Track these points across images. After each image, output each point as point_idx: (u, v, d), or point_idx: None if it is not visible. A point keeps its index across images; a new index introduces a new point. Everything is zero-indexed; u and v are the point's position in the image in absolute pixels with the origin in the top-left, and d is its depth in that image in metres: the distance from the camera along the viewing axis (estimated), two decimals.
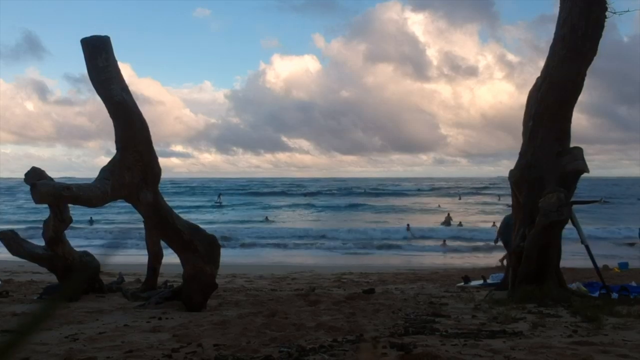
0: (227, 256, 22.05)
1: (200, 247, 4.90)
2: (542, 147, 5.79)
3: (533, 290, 5.27)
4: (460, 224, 40.46)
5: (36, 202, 4.38)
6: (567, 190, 5.56)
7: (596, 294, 5.99)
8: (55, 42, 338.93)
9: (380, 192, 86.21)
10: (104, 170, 4.41)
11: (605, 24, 5.36)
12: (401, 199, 73.07)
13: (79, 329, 4.78)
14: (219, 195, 67.77)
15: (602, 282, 5.87)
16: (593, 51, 5.61)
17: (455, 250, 25.44)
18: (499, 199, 70.94)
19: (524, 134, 6.08)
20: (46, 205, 7.13)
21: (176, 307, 5.47)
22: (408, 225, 31.15)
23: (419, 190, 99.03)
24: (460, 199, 74.43)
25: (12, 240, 5.79)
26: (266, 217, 48.13)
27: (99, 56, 4.11)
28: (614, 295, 5.93)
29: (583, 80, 5.78)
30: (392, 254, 23.74)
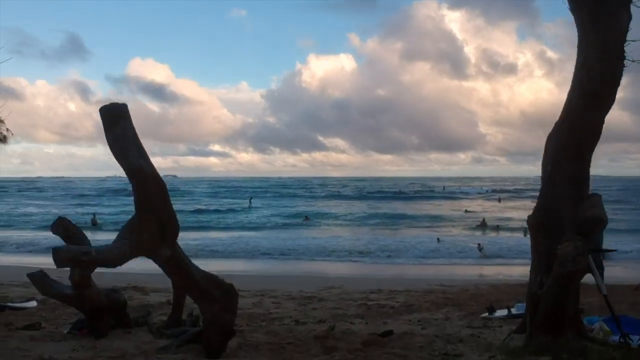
0: (256, 265, 22.57)
1: (217, 296, 5.04)
2: (560, 192, 5.75)
3: (548, 342, 5.25)
4: (497, 228, 40.07)
5: (57, 267, 4.59)
6: (585, 238, 5.51)
7: (616, 339, 5.92)
8: (97, 43, 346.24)
9: (418, 195, 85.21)
10: (122, 229, 4.59)
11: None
12: (437, 202, 72.56)
13: None
14: (250, 198, 68.58)
15: (621, 332, 5.80)
16: (612, 97, 5.55)
17: (490, 257, 25.23)
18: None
19: (542, 177, 6.05)
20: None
21: (196, 352, 5.62)
22: (438, 238, 30.91)
23: (455, 192, 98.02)
24: (500, 201, 73.57)
25: (41, 281, 6.02)
26: (306, 217, 48.66)
27: (116, 125, 4.28)
28: (636, 341, 5.85)
29: (602, 124, 5.72)
30: (424, 264, 23.66)
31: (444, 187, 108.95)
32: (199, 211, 53.76)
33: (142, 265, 23.12)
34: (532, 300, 5.70)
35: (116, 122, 4.34)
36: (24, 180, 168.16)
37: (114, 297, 6.31)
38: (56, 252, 4.28)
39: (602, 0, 5.40)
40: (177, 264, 4.82)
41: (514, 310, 8.79)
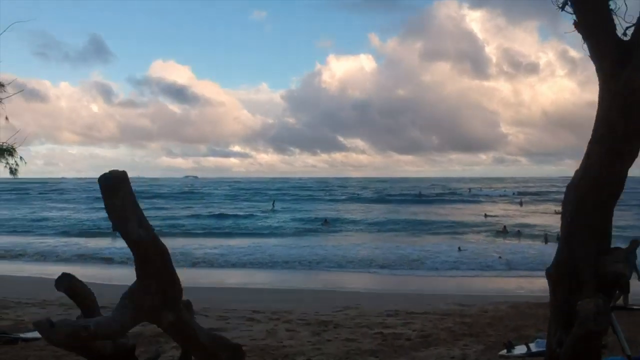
0: (273, 277, 22.46)
1: (224, 358, 4.90)
2: (580, 247, 5.50)
3: None
4: (518, 234, 39.57)
5: (56, 345, 4.48)
6: (606, 294, 5.26)
7: None
8: (119, 45, 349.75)
9: (438, 199, 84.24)
10: (123, 297, 4.46)
11: None
12: (458, 206, 71.96)
13: None
14: (273, 202, 68.74)
15: None
16: (635, 152, 5.28)
17: (511, 266, 24.86)
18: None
19: (561, 230, 5.79)
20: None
21: None
22: (459, 247, 30.56)
23: (479, 195, 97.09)
24: (521, 205, 72.64)
25: (47, 331, 5.90)
26: (325, 220, 48.70)
27: (115, 196, 4.16)
28: None
29: (626, 176, 5.45)
30: (444, 276, 23.37)
31: (469, 189, 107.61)
32: (219, 216, 53.83)
33: None
34: (551, 358, 5.46)
35: (116, 192, 4.21)
36: (46, 182, 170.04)
37: (121, 344, 6.17)
38: (54, 328, 4.16)
39: (627, 51, 5.15)
40: (181, 329, 4.67)
41: (532, 347, 8.53)
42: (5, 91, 10.37)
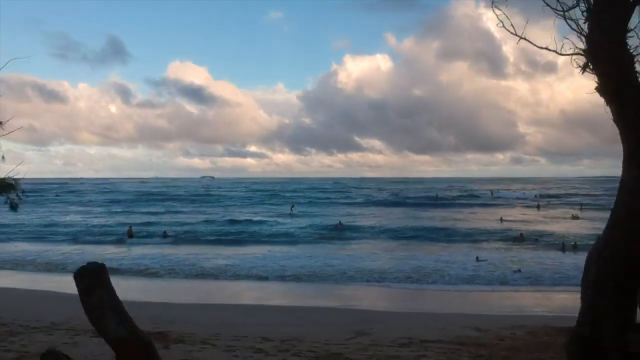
0: (284, 289, 22.14)
1: None
2: (602, 320, 5.07)
3: None
4: (536, 241, 38.89)
5: None
6: None
7: None
8: (137, 46, 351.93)
9: (456, 202, 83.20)
10: None
11: None
12: (475, 210, 71.22)
13: None
14: (292, 206, 68.62)
15: None
16: None
17: (528, 281, 24.33)
18: (581, 209, 67.85)
19: (582, 300, 5.36)
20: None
21: None
22: (477, 257, 30.06)
23: (498, 197, 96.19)
24: (539, 209, 71.66)
25: None
26: (339, 222, 48.55)
27: (92, 293, 3.82)
28: None
29: None
30: (461, 290, 22.89)
31: (491, 192, 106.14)
32: (234, 221, 53.60)
33: (168, 295, 22.65)
34: None
35: (92, 290, 3.88)
36: (64, 183, 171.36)
37: None
38: None
39: None
40: None
41: None
42: (3, 129, 10.11)
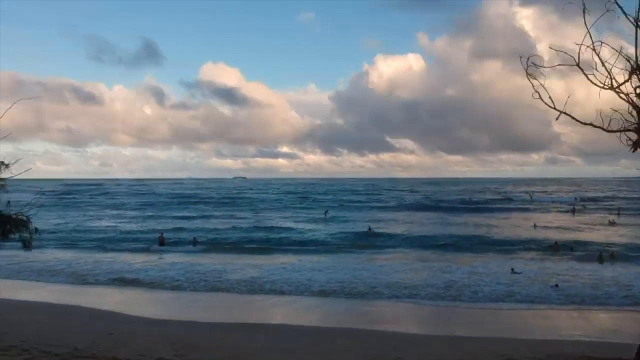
0: (308, 306, 21.52)
1: None
2: None
3: None
4: (571, 250, 37.62)
5: None
6: None
7: None
8: (171, 49, 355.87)
9: (489, 207, 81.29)
10: None
11: None
12: (509, 215, 69.83)
13: None
14: (326, 211, 68.37)
15: None
16: None
17: (564, 298, 23.34)
18: (619, 214, 65.82)
19: None
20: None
21: None
22: (512, 269, 29.15)
23: (538, 200, 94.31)
24: (574, 214, 69.84)
25: None
26: (369, 228, 48.09)
27: None
28: None
29: None
30: (495, 309, 22.04)
31: (530, 195, 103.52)
32: (263, 228, 53.14)
33: (191, 311, 22.07)
34: None
35: None
36: (99, 184, 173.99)
37: None
38: None
39: None
40: None
41: None
42: (11, 172, 9.80)
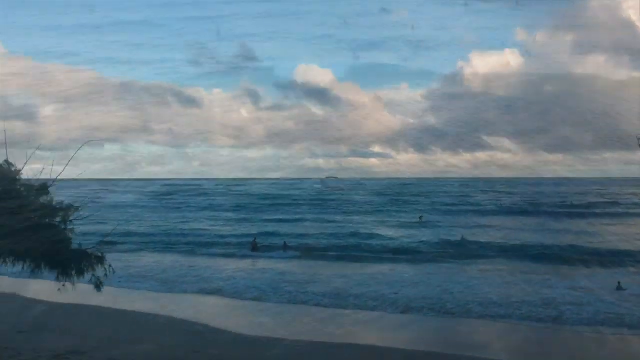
0: (379, 328, 20.42)
1: None
2: None
3: None
4: None
5: None
6: None
7: None
8: (266, 53, 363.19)
9: (593, 211, 75.81)
10: None
11: None
12: (614, 221, 65.37)
13: None
14: (421, 216, 66.92)
15: None
16: None
17: None
18: None
19: None
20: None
21: None
22: (619, 283, 26.83)
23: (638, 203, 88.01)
24: None
25: None
26: (462, 237, 46.35)
27: None
28: None
29: None
30: (599, 333, 20.22)
31: None
32: (355, 234, 52.09)
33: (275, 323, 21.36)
34: None
35: None
36: (198, 185, 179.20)
37: None
38: None
39: None
40: None
41: None
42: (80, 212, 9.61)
